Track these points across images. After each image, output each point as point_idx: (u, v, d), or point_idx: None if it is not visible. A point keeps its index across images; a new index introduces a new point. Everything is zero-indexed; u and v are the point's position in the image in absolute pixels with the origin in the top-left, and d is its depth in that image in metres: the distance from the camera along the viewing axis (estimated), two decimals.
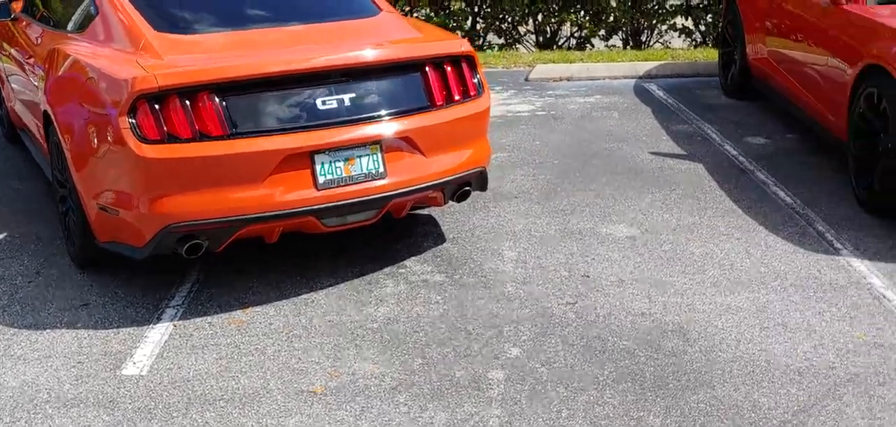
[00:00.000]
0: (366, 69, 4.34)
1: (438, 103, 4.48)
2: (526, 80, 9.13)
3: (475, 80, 4.68)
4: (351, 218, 4.33)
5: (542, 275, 4.54)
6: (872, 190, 5.08)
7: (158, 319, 4.17)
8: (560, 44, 11.95)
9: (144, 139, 3.90)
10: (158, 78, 3.92)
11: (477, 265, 4.66)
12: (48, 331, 4.09)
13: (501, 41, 12.02)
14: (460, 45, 4.64)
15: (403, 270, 4.62)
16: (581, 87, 8.65)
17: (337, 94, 4.22)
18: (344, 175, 4.19)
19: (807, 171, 5.91)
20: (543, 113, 7.69)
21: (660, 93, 8.28)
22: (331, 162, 4.16)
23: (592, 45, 11.53)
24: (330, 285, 4.46)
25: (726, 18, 8.18)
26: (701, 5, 11.01)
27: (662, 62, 9.30)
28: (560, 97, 8.30)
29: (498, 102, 8.15)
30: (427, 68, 4.48)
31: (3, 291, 4.49)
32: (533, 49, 11.75)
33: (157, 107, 3.92)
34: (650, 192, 5.61)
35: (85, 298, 4.38)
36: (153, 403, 3.53)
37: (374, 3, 5.06)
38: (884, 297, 4.25)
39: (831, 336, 3.92)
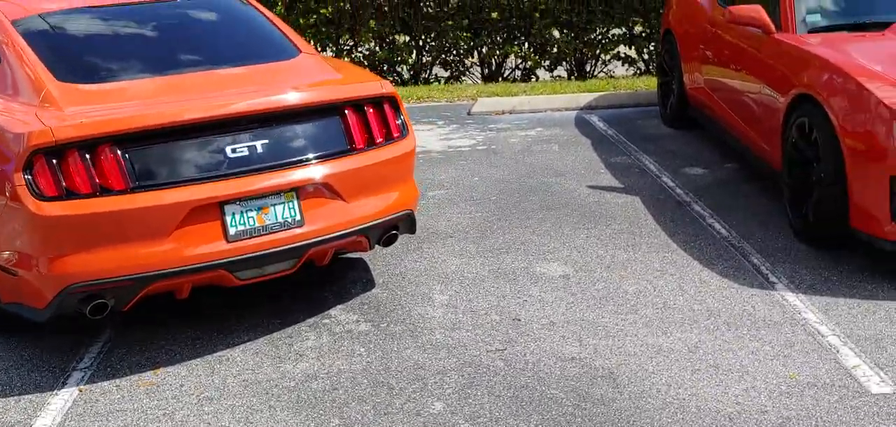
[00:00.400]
0: (280, 114, 4.18)
1: (359, 147, 4.32)
2: (469, 114, 9.02)
3: (399, 122, 4.54)
4: (269, 269, 4.15)
5: (472, 319, 4.38)
6: (807, 220, 5.00)
7: (64, 384, 3.94)
8: (505, 75, 11.88)
9: (41, 196, 3.70)
10: (55, 132, 3.73)
11: (405, 312, 4.49)
12: None
13: (447, 74, 11.93)
14: (381, 86, 4.50)
15: (328, 320, 4.44)
16: (523, 120, 8.56)
17: (248, 141, 4.05)
18: (257, 225, 4.01)
19: (743, 202, 5.83)
20: (484, 147, 7.57)
21: (600, 124, 8.21)
22: (242, 212, 3.98)
23: (537, 77, 11.48)
24: (249, 340, 4.27)
25: (664, 47, 8.14)
26: (643, 34, 11.00)
27: (604, 93, 9.25)
28: (501, 130, 8.19)
29: (439, 137, 8.03)
30: (347, 111, 4.33)
31: None
32: (478, 81, 11.67)
33: (54, 162, 3.72)
34: (586, 228, 5.50)
35: None
36: None
37: (294, 44, 4.90)
38: (818, 332, 4.15)
39: (764, 377, 3.80)
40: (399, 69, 11.81)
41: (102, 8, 4.98)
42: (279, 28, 5.05)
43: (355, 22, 11.42)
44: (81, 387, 3.91)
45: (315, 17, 11.19)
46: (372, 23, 11.30)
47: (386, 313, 4.49)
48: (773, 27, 5.70)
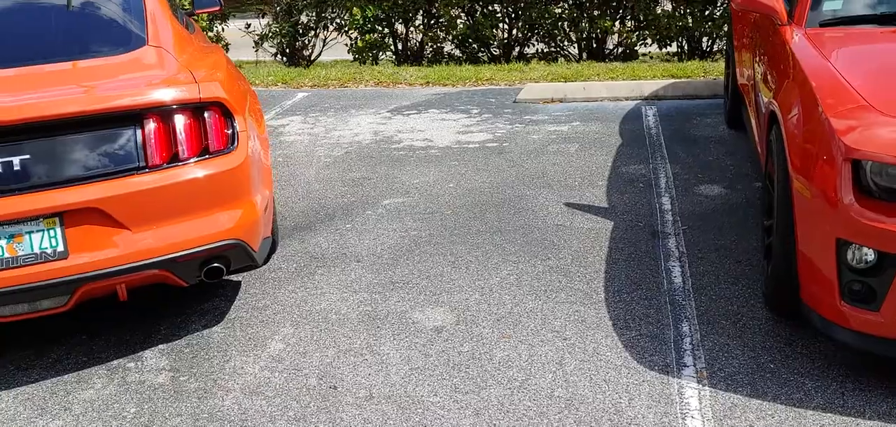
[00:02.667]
0: (50, 124, 3.49)
1: (154, 164, 3.58)
2: (515, 101, 8.03)
3: (228, 132, 3.77)
4: (22, 307, 3.53)
5: (286, 380, 3.54)
6: (768, 283, 3.77)
7: None
8: (608, 52, 10.70)
9: None
10: None
11: (222, 362, 3.70)
12: None
13: (544, 48, 10.90)
14: (198, 89, 3.73)
15: (134, 363, 3.76)
16: (566, 111, 7.47)
17: (6, 156, 3.43)
18: (7, 255, 3.39)
19: (732, 240, 4.57)
20: (494, 145, 6.61)
21: (651, 120, 7.00)
22: None
23: (643, 56, 10.26)
24: (27, 382, 3.68)
25: (728, 31, 6.79)
26: None
27: (675, 81, 7.95)
28: (533, 123, 7.17)
29: (456, 130, 7.13)
30: (148, 119, 3.60)
31: None
32: (573, 60, 10.56)
33: None
34: (518, 262, 4.48)
35: None
36: None
37: (145, 35, 4.21)
38: None
39: None
40: (490, 45, 10.91)
41: None
42: (146, 13, 4.39)
43: None
44: None
45: None
46: None
47: (201, 361, 3.73)
48: (784, 15, 4.40)
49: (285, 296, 4.28)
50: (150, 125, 3.58)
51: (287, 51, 11.72)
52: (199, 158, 3.66)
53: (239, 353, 3.80)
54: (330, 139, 7.06)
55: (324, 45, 11.92)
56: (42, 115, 3.48)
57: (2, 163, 3.38)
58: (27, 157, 3.42)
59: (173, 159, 3.61)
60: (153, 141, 3.57)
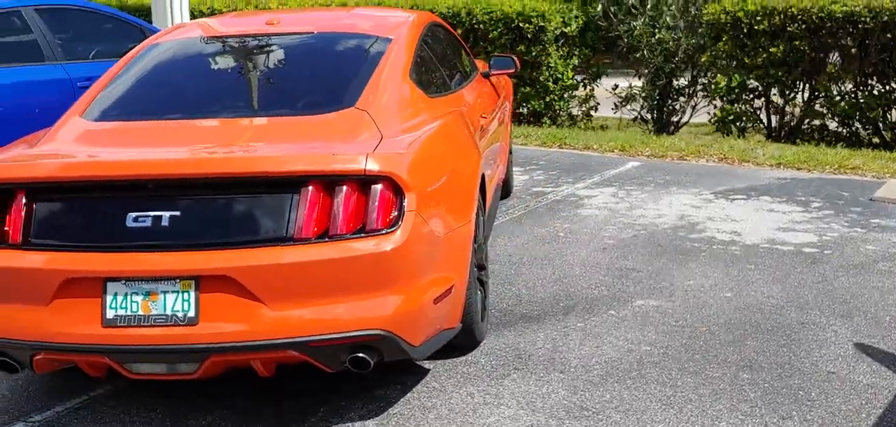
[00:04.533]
0: (206, 182, 3.34)
1: (301, 236, 3.27)
2: (871, 198, 6.64)
3: (393, 211, 3.36)
4: (156, 368, 3.40)
5: None
6: None
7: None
8: None
9: None
10: None
11: None
12: None
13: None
14: (365, 161, 3.33)
15: None
16: None
17: (156, 209, 3.30)
18: (141, 313, 3.27)
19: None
20: (812, 251, 5.45)
21: None
22: (127, 294, 3.27)
23: None
24: None
25: None
26: None
27: None
28: (875, 229, 5.91)
29: (779, 225, 6.04)
30: (305, 188, 3.32)
31: None
32: None
33: None
34: (750, 414, 3.46)
35: None
36: None
37: (359, 97, 3.91)
38: None
39: None
40: (881, 128, 9.30)
41: (226, 37, 4.68)
42: (377, 72, 4.15)
43: (813, 66, 9.29)
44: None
45: (763, 57, 9.37)
46: (831, 67, 9.07)
47: None
48: None
49: (459, 399, 3.75)
50: (306, 194, 3.29)
51: (648, 116, 11.07)
52: (353, 236, 3.30)
53: None
54: (627, 218, 6.36)
55: (693, 111, 11.09)
56: (192, 173, 3.37)
57: (152, 217, 3.32)
58: (176, 214, 3.32)
59: (323, 234, 3.30)
60: (305, 212, 3.28)
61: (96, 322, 3.29)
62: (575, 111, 11.49)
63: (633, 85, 11.29)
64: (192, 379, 3.46)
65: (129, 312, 3.27)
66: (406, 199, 3.36)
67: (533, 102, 10.80)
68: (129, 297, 3.28)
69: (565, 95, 11.04)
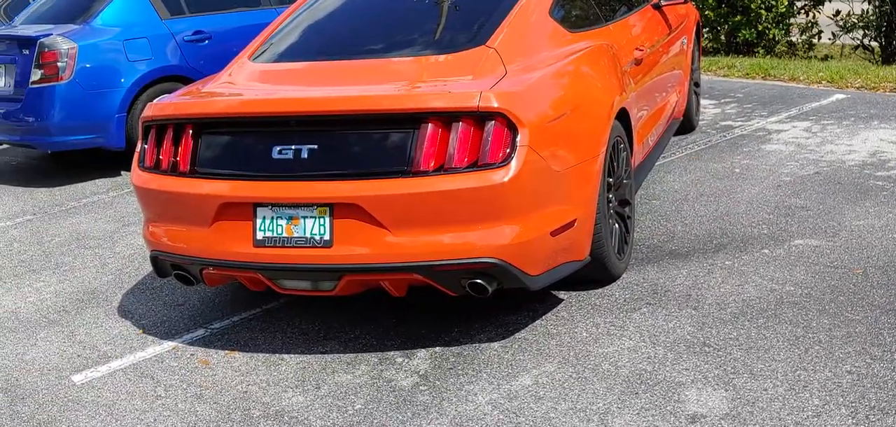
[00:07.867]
0: (339, 119, 3.65)
1: (418, 169, 3.50)
2: None
3: (507, 148, 3.50)
4: (301, 284, 3.76)
5: (500, 421, 3.22)
6: None
7: (165, 336, 4.21)
8: None
9: (143, 164, 4.08)
10: (152, 108, 4.01)
11: (472, 380, 3.51)
12: None
13: None
14: (479, 98, 3.49)
15: (401, 359, 3.76)
16: None
17: (296, 143, 3.66)
18: (285, 235, 3.65)
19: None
20: None
21: None
22: (273, 218, 3.66)
23: None
24: (340, 351, 3.95)
25: None
26: None
27: None
28: None
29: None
30: (424, 124, 3.54)
31: None
32: None
33: (156, 137, 4.03)
34: (880, 356, 3.34)
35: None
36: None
37: (491, 36, 4.07)
38: None
39: None
40: None
41: None
42: (513, 11, 4.25)
43: None
44: (176, 344, 4.21)
45: None
46: None
47: (457, 373, 3.57)
48: None
49: (584, 329, 3.88)
50: (424, 130, 3.53)
51: (875, 45, 10.26)
52: (467, 170, 3.50)
53: (489, 377, 3.57)
54: (814, 154, 6.06)
55: None
56: (326, 110, 3.69)
57: (293, 150, 3.68)
58: (314, 147, 3.66)
59: (440, 168, 3.52)
60: (424, 146, 3.52)
61: (249, 242, 3.72)
62: (795, 40, 10.88)
63: (857, 9, 10.51)
64: (333, 296, 3.84)
65: (275, 234, 3.67)
66: (519, 135, 3.51)
67: (744, 32, 10.33)
68: (275, 221, 3.68)
69: (781, 24, 10.47)
